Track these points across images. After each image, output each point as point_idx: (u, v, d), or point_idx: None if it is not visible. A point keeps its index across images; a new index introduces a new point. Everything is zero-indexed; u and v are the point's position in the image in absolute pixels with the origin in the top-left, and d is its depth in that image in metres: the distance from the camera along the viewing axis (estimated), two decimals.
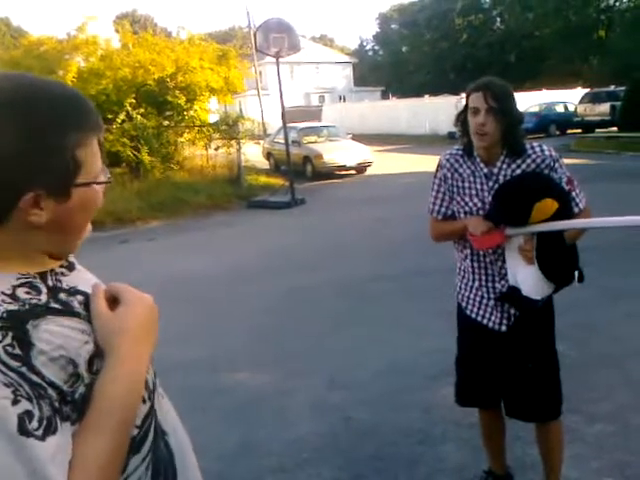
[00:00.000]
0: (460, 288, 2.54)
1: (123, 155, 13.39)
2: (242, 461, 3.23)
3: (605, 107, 22.71)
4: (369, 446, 3.29)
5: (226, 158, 15.25)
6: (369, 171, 17.10)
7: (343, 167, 16.63)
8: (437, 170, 2.47)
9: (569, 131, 23.89)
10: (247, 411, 3.79)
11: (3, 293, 0.81)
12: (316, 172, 16.48)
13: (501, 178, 2.29)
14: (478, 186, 2.34)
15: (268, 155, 19.08)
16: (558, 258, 2.24)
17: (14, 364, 0.75)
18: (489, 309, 2.42)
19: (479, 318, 2.46)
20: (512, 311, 2.39)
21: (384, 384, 4.02)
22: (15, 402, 0.74)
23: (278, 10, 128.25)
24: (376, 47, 64.31)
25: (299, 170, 15.84)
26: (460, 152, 2.40)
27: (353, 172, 17.06)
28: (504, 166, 2.30)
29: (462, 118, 2.33)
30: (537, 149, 2.30)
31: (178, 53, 14.88)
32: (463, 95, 2.51)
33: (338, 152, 16.66)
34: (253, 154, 16.45)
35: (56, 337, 0.81)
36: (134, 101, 14.05)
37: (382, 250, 7.86)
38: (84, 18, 14.48)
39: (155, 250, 9.22)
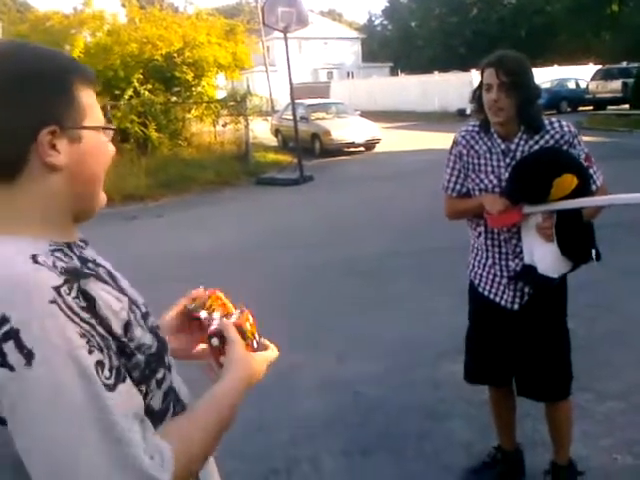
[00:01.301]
0: (473, 266, 2.52)
1: (131, 131, 13.33)
2: (253, 435, 3.26)
3: (617, 84, 22.36)
4: (377, 421, 3.31)
5: (234, 135, 15.16)
6: (377, 148, 16.99)
7: (351, 144, 16.52)
8: (452, 147, 2.42)
9: (580, 108, 23.61)
10: (256, 386, 3.81)
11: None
12: (324, 149, 16.38)
13: (519, 154, 2.26)
14: (495, 163, 2.30)
15: (276, 132, 18.97)
16: (577, 236, 2.21)
17: (85, 316, 0.79)
18: (502, 287, 2.41)
19: (492, 296, 2.44)
20: (525, 290, 2.36)
21: (393, 360, 4.04)
22: (90, 352, 0.77)
23: None
24: (385, 22, 63.51)
25: (307, 147, 15.74)
26: (476, 128, 2.36)
27: (361, 149, 16.95)
28: (522, 142, 2.26)
29: (478, 94, 2.29)
30: (556, 124, 2.27)
31: (185, 28, 14.73)
32: (473, 71, 2.47)
33: (346, 129, 16.54)
34: (261, 131, 16.37)
35: (99, 298, 0.83)
36: (142, 77, 13.96)
37: (391, 227, 7.83)
38: None
39: (164, 227, 9.23)
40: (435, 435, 3.13)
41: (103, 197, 0.97)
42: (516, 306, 2.39)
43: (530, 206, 2.18)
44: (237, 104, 14.76)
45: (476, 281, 2.51)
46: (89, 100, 0.92)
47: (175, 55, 14.35)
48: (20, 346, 0.73)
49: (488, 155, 2.31)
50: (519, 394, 2.56)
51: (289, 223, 8.70)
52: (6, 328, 0.73)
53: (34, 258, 0.81)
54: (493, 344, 2.50)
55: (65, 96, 0.88)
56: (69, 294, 0.78)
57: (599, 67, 25.42)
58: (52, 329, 0.75)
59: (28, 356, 0.73)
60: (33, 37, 13.30)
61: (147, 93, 13.75)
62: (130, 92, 13.61)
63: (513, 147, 2.27)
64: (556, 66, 28.90)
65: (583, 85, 24.52)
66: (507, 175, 2.26)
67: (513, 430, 2.76)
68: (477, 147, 2.34)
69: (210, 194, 11.86)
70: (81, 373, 0.75)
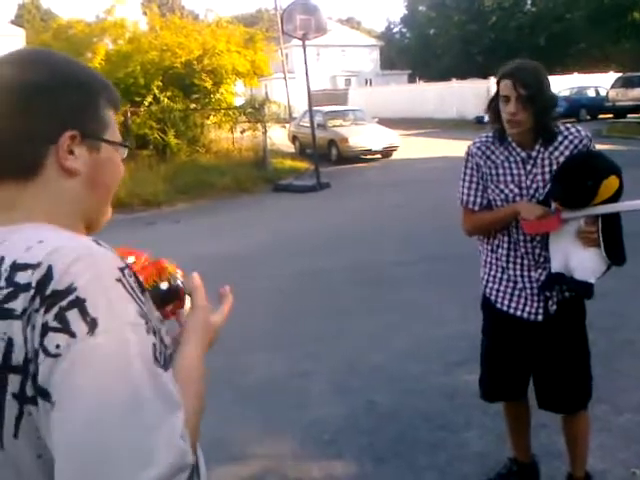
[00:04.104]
0: (487, 281, 2.46)
1: (150, 138, 13.47)
2: (264, 442, 3.26)
3: (637, 92, 22.14)
4: (390, 430, 3.29)
5: (252, 141, 15.24)
6: (395, 155, 16.96)
7: (369, 151, 16.51)
8: (467, 160, 2.38)
9: (600, 116, 23.40)
10: (268, 393, 3.82)
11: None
12: (341, 156, 16.39)
13: (539, 161, 2.25)
14: (514, 171, 2.28)
15: (294, 138, 19.00)
16: (620, 239, 2.18)
17: (142, 298, 0.82)
18: (522, 300, 2.36)
19: (512, 311, 2.38)
20: (551, 301, 2.32)
21: (406, 369, 4.01)
22: (147, 332, 0.79)
23: None
24: (403, 30, 63.40)
25: (324, 154, 15.77)
26: (490, 139, 2.33)
27: (379, 156, 16.93)
28: (542, 149, 2.25)
29: (494, 105, 2.28)
30: (572, 129, 2.27)
31: (205, 36, 14.87)
32: (492, 79, 2.46)
33: (364, 136, 16.53)
34: (279, 137, 16.43)
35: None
36: (161, 84, 14.10)
37: (406, 235, 7.81)
38: (113, 1, 14.53)
39: (181, 232, 9.28)
40: (449, 445, 3.10)
41: (109, 212, 0.99)
42: (540, 317, 2.34)
43: (569, 211, 2.15)
44: (255, 111, 14.84)
45: (492, 297, 2.44)
46: (111, 117, 0.95)
47: (194, 63, 14.48)
48: (84, 314, 0.73)
49: (506, 164, 2.29)
50: (540, 407, 2.51)
51: (305, 230, 8.71)
52: (72, 297, 0.74)
53: (96, 241, 0.84)
54: (512, 359, 2.45)
55: (90, 106, 0.91)
56: (131, 277, 0.81)
57: (619, 75, 25.19)
58: (117, 304, 0.76)
59: (92, 324, 0.73)
60: (55, 45, 13.51)
61: (166, 100, 13.89)
62: (150, 99, 13.76)
63: (534, 154, 2.25)
64: (576, 74, 28.69)
65: (603, 93, 24.31)
66: (529, 181, 2.25)
67: (528, 441, 2.72)
68: (493, 157, 2.32)
69: (227, 200, 11.92)
70: (141, 348, 0.76)
